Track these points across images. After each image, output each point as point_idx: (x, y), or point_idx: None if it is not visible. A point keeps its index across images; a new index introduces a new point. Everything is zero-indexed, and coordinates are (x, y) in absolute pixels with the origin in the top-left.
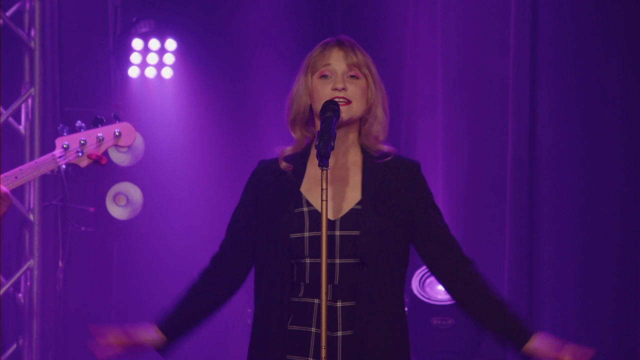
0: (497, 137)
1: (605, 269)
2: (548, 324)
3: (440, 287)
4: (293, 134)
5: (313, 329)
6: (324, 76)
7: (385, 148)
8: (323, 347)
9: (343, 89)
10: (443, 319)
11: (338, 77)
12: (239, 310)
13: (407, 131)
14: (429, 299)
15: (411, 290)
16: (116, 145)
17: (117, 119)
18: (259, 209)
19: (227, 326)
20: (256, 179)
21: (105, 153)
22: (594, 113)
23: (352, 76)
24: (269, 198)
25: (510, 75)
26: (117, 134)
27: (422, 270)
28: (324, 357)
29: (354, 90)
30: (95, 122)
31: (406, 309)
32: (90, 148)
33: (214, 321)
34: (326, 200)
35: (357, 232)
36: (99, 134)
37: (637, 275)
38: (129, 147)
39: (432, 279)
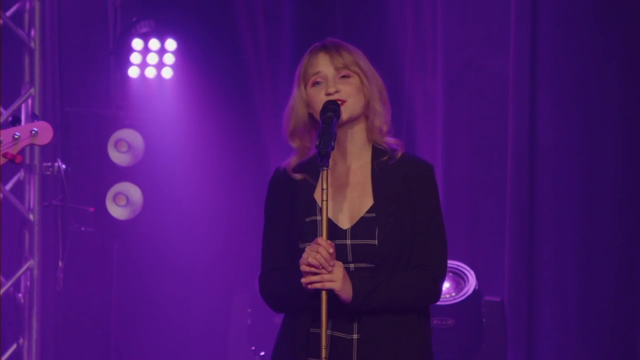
0: (497, 137)
1: (605, 268)
2: (548, 324)
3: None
4: (292, 144)
5: (329, 332)
6: (316, 83)
7: (393, 141)
8: (323, 347)
9: (336, 92)
10: (443, 319)
11: (329, 82)
12: (239, 310)
13: (407, 131)
14: None
15: None
16: (32, 144)
17: (35, 118)
18: (280, 218)
19: (227, 326)
20: (273, 187)
21: (22, 152)
22: (593, 113)
23: (343, 76)
24: (285, 205)
25: (510, 75)
26: (33, 132)
27: None
28: (324, 357)
29: (347, 89)
30: (13, 122)
31: None
32: (5, 147)
33: (213, 321)
34: (326, 201)
35: (373, 242)
36: (15, 133)
37: (637, 275)
38: (45, 145)
39: None
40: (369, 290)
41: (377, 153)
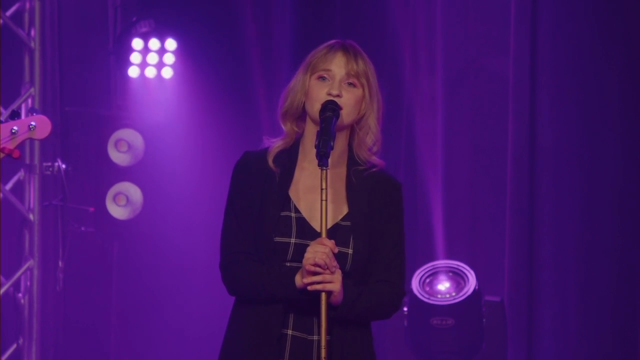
0: (497, 137)
1: (605, 269)
2: (548, 324)
3: (441, 287)
4: (283, 126)
5: (289, 332)
6: (321, 78)
7: (376, 160)
8: (323, 347)
9: (337, 95)
10: (443, 319)
11: (335, 83)
12: None
13: (407, 131)
14: (429, 298)
15: (411, 290)
16: (31, 138)
17: (35, 112)
18: (248, 204)
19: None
20: (243, 171)
21: (20, 147)
22: (593, 113)
23: (349, 83)
24: (255, 195)
25: (510, 75)
26: (31, 126)
27: (422, 270)
28: (324, 357)
29: (348, 98)
30: (12, 116)
31: (405, 308)
32: (3, 141)
33: (213, 321)
34: (326, 200)
35: (348, 250)
36: (13, 127)
37: (637, 275)
38: (43, 139)
39: (432, 278)
40: (355, 297)
41: (353, 162)
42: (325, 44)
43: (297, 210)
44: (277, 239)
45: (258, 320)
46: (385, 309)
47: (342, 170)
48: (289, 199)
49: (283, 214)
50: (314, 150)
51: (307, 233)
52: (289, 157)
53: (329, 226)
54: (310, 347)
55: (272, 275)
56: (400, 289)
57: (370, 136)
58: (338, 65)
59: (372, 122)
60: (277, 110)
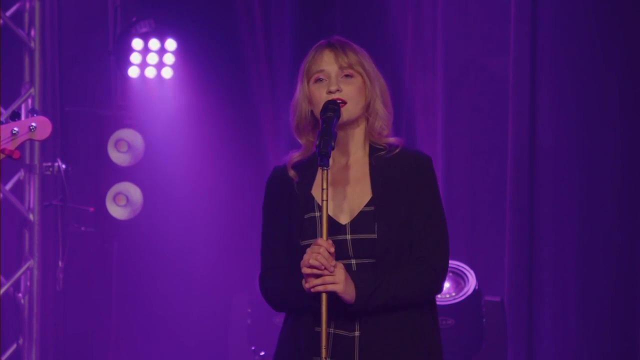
0: (497, 137)
1: (605, 269)
2: (548, 324)
3: None
4: (299, 140)
5: (331, 330)
6: (318, 80)
7: (393, 140)
8: (323, 347)
9: (337, 90)
10: (443, 319)
11: (332, 80)
12: (239, 310)
13: (407, 131)
14: None
15: None
16: (31, 139)
17: (35, 112)
18: (277, 216)
19: (227, 326)
20: (270, 186)
21: (20, 148)
22: (593, 113)
23: (346, 76)
24: (282, 205)
25: (510, 75)
26: (31, 127)
27: None
28: (325, 357)
29: (349, 90)
30: (12, 116)
31: None
32: (3, 142)
33: (213, 321)
34: (327, 200)
35: (373, 236)
36: (13, 128)
37: (637, 275)
38: (43, 140)
39: None
40: (371, 290)
41: (375, 149)
42: (313, 48)
43: (320, 209)
44: (304, 243)
45: (294, 322)
46: (420, 288)
47: (365, 159)
48: (312, 198)
49: (307, 216)
50: (333, 150)
51: (333, 229)
52: (310, 163)
53: (354, 215)
54: (352, 344)
55: (289, 286)
56: (436, 264)
57: (379, 121)
58: (329, 63)
59: (379, 106)
60: (290, 127)
